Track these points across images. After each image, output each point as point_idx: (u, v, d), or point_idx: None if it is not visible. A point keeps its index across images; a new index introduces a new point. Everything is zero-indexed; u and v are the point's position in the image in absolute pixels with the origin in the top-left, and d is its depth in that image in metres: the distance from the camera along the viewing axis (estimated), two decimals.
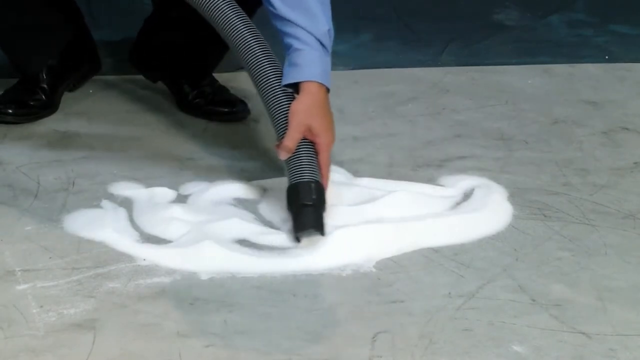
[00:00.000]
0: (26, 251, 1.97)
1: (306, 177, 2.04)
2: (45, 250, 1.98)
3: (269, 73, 2.08)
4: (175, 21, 2.57)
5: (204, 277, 1.91)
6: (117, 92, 2.71)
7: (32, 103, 2.54)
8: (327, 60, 2.14)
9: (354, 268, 1.95)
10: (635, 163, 2.41)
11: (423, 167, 2.35)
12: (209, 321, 1.79)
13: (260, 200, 2.18)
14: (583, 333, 1.78)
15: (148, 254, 1.97)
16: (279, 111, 2.07)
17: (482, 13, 3.35)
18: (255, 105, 2.61)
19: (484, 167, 2.35)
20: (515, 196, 2.23)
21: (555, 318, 1.82)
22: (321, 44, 2.11)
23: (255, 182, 2.24)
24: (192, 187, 2.22)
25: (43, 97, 2.55)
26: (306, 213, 2.01)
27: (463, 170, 2.33)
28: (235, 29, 2.10)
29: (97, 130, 2.49)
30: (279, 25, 2.11)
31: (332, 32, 2.14)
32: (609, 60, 3.04)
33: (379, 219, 2.09)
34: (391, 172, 2.32)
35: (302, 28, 2.09)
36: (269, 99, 2.08)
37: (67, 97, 2.62)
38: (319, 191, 2.04)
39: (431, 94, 2.77)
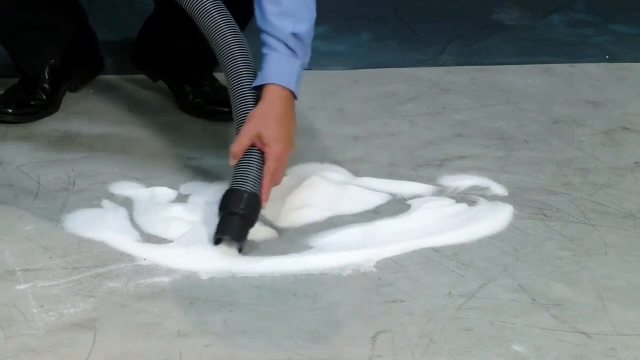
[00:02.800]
0: (26, 251, 1.97)
1: (243, 186, 2.01)
2: (45, 250, 1.98)
3: (242, 75, 2.08)
4: (175, 21, 2.56)
5: (204, 276, 1.91)
6: (117, 91, 2.71)
7: (32, 103, 2.53)
8: (294, 62, 2.10)
9: (354, 268, 1.95)
10: (635, 163, 2.41)
11: (423, 167, 2.35)
12: (209, 321, 1.79)
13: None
14: (583, 332, 1.78)
15: (148, 253, 1.97)
16: (240, 115, 2.07)
17: (482, 12, 3.34)
18: None
19: (484, 166, 2.35)
20: (516, 196, 2.23)
21: (556, 317, 1.82)
22: (287, 47, 2.09)
23: None
24: (192, 187, 2.22)
25: (44, 96, 2.55)
26: (230, 220, 1.98)
27: (463, 170, 2.33)
28: (218, 30, 2.10)
29: (97, 129, 2.49)
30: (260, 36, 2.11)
31: (306, 35, 2.11)
32: (610, 60, 3.04)
33: (378, 219, 2.09)
34: (391, 171, 2.32)
35: (267, 33, 2.08)
36: (235, 100, 2.09)
37: (67, 97, 2.62)
38: (250, 203, 2.00)
39: (431, 93, 2.77)
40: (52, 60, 2.56)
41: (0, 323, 1.75)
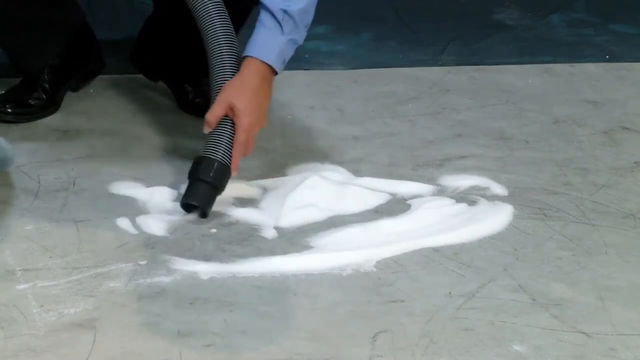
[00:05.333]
0: (26, 250, 1.97)
1: (214, 155, 2.09)
2: (45, 250, 1.98)
3: (222, 46, 2.14)
4: (176, 21, 2.57)
5: (204, 276, 1.91)
6: (117, 91, 2.71)
7: (32, 102, 2.53)
8: (279, 39, 2.14)
9: (354, 268, 1.95)
10: (635, 162, 2.41)
11: (423, 167, 2.35)
12: (209, 320, 1.79)
13: (260, 200, 2.18)
14: (583, 332, 1.78)
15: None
16: (217, 84, 2.14)
17: (482, 12, 3.34)
18: None
19: (484, 166, 2.35)
20: (516, 196, 2.23)
21: (556, 317, 1.82)
22: (275, 21, 2.13)
23: (255, 182, 2.24)
24: None
25: (44, 96, 2.54)
26: (198, 187, 2.07)
27: (463, 170, 2.33)
28: (203, 7, 2.15)
29: (97, 129, 2.49)
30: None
31: (297, 13, 2.13)
32: (610, 60, 3.04)
33: (378, 219, 2.09)
34: (391, 171, 2.32)
35: (261, 5, 2.13)
36: (214, 69, 2.15)
37: (67, 97, 2.61)
38: (220, 172, 2.08)
39: (431, 93, 2.77)
40: (52, 60, 2.56)
41: (0, 323, 1.75)
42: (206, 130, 2.13)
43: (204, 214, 2.07)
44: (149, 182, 2.23)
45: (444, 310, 1.83)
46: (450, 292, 1.88)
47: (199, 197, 2.07)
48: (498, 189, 2.25)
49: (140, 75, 2.70)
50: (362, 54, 3.02)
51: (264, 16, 2.14)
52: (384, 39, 3.12)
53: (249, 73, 2.12)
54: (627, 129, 2.59)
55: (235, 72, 2.13)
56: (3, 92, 2.57)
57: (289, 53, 2.17)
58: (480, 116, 2.64)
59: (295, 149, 2.38)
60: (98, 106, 2.62)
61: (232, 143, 2.11)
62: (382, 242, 2.03)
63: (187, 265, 1.94)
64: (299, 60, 2.89)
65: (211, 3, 2.14)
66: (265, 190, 2.21)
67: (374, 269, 1.95)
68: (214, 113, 2.11)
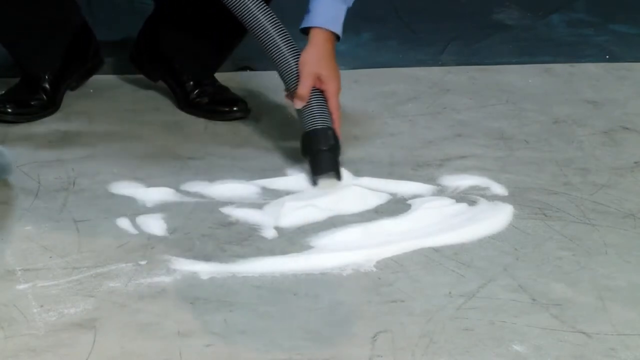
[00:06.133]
0: (26, 250, 1.97)
1: (320, 124, 2.20)
2: (45, 250, 1.98)
3: (270, 31, 2.23)
4: (176, 21, 2.57)
5: (204, 276, 1.91)
6: (117, 91, 2.71)
7: (32, 103, 2.53)
8: (341, 7, 2.26)
9: (354, 267, 1.95)
10: (635, 162, 2.41)
11: (423, 167, 2.35)
12: (210, 320, 1.79)
13: (263, 201, 2.17)
14: (583, 332, 1.78)
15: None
16: (285, 63, 2.24)
17: (482, 12, 3.35)
18: (256, 104, 2.62)
19: (484, 166, 2.35)
20: (516, 196, 2.23)
21: (556, 317, 1.82)
22: None
23: (255, 182, 2.24)
24: (192, 187, 2.22)
25: (44, 96, 2.54)
26: (324, 157, 2.18)
27: (463, 170, 2.33)
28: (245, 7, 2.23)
29: (97, 129, 2.49)
30: None
31: None
32: (610, 60, 3.04)
33: (378, 219, 2.10)
34: (391, 171, 2.32)
35: None
36: (274, 52, 2.24)
37: (67, 97, 2.62)
38: (335, 137, 2.22)
39: (431, 93, 2.77)
40: (54, 61, 2.56)
41: (0, 323, 1.75)
42: (300, 105, 2.24)
43: (339, 177, 2.19)
44: (149, 182, 2.23)
45: (444, 310, 1.83)
46: (450, 292, 1.88)
47: (330, 167, 2.20)
48: (498, 189, 2.25)
49: (140, 75, 2.70)
50: (362, 54, 3.02)
51: None
52: (384, 39, 3.12)
53: (321, 41, 2.25)
54: (627, 129, 2.59)
55: (296, 55, 2.23)
56: (3, 92, 2.58)
57: (344, 18, 2.28)
58: (480, 116, 2.64)
59: (295, 149, 2.38)
60: (98, 106, 2.62)
61: (325, 109, 2.23)
62: (382, 242, 2.03)
63: (187, 265, 1.94)
64: None
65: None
66: (265, 190, 2.22)
67: (374, 269, 1.95)
68: (305, 86, 2.21)
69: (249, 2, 2.22)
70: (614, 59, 3.05)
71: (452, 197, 2.21)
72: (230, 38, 2.57)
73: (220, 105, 2.58)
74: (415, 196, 2.21)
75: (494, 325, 1.79)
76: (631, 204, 2.21)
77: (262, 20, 2.23)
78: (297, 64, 2.23)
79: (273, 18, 2.24)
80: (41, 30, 2.52)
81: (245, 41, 2.58)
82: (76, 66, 2.62)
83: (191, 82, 2.60)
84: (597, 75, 2.93)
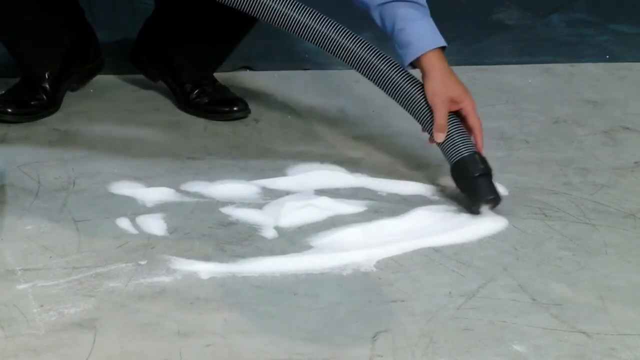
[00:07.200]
0: (27, 250, 1.97)
1: (465, 151, 2.13)
2: (45, 250, 1.97)
3: (384, 69, 2.17)
4: (176, 21, 2.57)
5: (204, 276, 1.91)
6: (117, 91, 2.71)
7: (32, 103, 2.53)
8: (428, 21, 2.20)
9: (354, 267, 1.95)
10: (635, 162, 2.41)
11: (423, 167, 2.35)
12: (209, 320, 1.79)
13: (263, 201, 2.17)
14: (583, 332, 1.78)
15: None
16: (413, 99, 2.16)
17: (482, 12, 3.34)
18: (256, 104, 2.62)
19: None
20: (516, 196, 2.23)
21: (556, 317, 1.82)
22: (422, 7, 2.19)
23: (255, 182, 2.24)
24: (192, 187, 2.22)
25: (44, 97, 2.54)
26: (480, 184, 2.12)
27: None
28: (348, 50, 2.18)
29: (97, 129, 2.49)
30: (377, 12, 2.19)
31: None
32: (610, 60, 3.04)
33: (378, 219, 2.10)
34: (391, 171, 2.32)
35: (396, 1, 2.16)
36: (398, 92, 2.17)
37: (67, 97, 2.61)
38: (483, 160, 2.14)
39: None
40: (54, 62, 2.56)
41: (0, 323, 1.75)
42: (442, 137, 2.15)
43: (498, 201, 2.13)
44: (149, 182, 2.23)
45: (444, 310, 1.83)
46: (450, 292, 1.88)
47: (489, 192, 2.13)
48: (498, 189, 2.25)
49: (140, 75, 2.70)
50: None
51: (406, 10, 2.17)
52: (384, 39, 3.12)
53: (437, 63, 2.15)
54: (627, 129, 2.59)
55: (419, 87, 2.16)
56: (3, 92, 2.58)
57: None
58: (480, 116, 2.63)
59: (295, 149, 2.38)
60: (98, 106, 2.62)
61: (464, 133, 2.15)
62: (382, 242, 2.03)
63: (187, 265, 1.93)
64: (299, 60, 2.90)
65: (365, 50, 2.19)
66: (265, 190, 2.21)
67: (374, 269, 1.95)
68: (443, 116, 2.13)
69: (353, 46, 2.17)
70: (614, 59, 3.05)
71: (452, 197, 2.21)
72: (230, 38, 2.57)
73: (220, 105, 2.58)
74: (415, 196, 2.21)
75: (494, 325, 1.79)
76: (631, 204, 2.21)
77: (373, 61, 2.17)
78: (423, 97, 2.15)
79: (378, 53, 2.19)
80: (42, 30, 2.52)
81: (245, 41, 2.58)
82: (77, 67, 2.62)
83: (191, 82, 2.59)
84: (597, 75, 2.93)
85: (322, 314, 1.82)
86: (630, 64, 3.01)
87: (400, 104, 2.21)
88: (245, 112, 2.58)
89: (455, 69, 2.92)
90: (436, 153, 2.41)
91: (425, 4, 2.20)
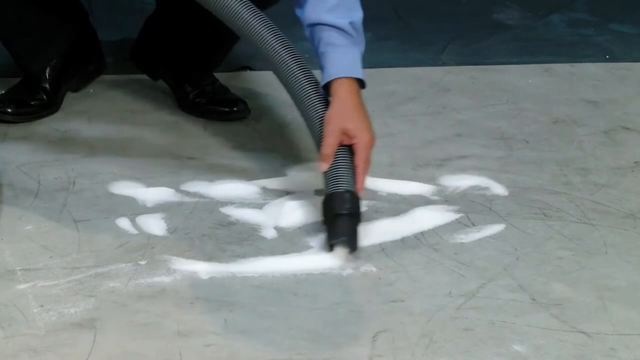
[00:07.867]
0: (27, 250, 1.97)
1: (340, 187, 2.00)
2: (45, 250, 1.98)
3: (303, 83, 2.07)
4: (176, 20, 2.57)
5: (204, 276, 1.91)
6: (117, 91, 2.71)
7: (32, 103, 2.53)
8: (354, 51, 2.12)
9: (354, 267, 1.95)
10: (635, 162, 2.41)
11: (423, 167, 2.35)
12: (210, 320, 1.79)
13: (263, 201, 2.17)
14: (583, 332, 1.78)
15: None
16: (315, 122, 2.06)
17: (482, 12, 3.34)
18: (255, 105, 2.62)
19: (484, 166, 2.35)
20: (516, 195, 2.23)
21: (556, 317, 1.82)
22: (347, 36, 2.10)
23: (255, 182, 2.24)
24: (192, 187, 2.22)
25: (44, 97, 2.54)
26: (340, 222, 1.98)
27: (463, 170, 2.33)
28: (266, 42, 2.09)
29: (97, 129, 2.49)
30: (309, 31, 2.12)
31: (360, 23, 2.14)
32: (610, 60, 3.04)
33: (378, 219, 2.10)
34: (392, 171, 2.32)
35: (323, 25, 2.09)
36: (305, 111, 2.08)
37: (67, 97, 2.62)
38: (353, 200, 2.00)
39: (431, 93, 2.77)
40: (54, 61, 2.56)
41: (0, 323, 1.75)
42: (324, 167, 2.02)
43: (353, 247, 1.98)
44: (149, 182, 2.23)
45: (444, 310, 1.83)
46: (450, 292, 1.88)
47: (345, 232, 1.98)
48: (498, 189, 2.25)
49: (140, 76, 2.70)
50: (363, 53, 3.01)
51: (331, 35, 2.09)
52: (384, 38, 3.12)
53: (345, 93, 2.06)
54: (627, 129, 2.59)
55: (326, 104, 2.06)
56: (3, 92, 2.58)
57: (361, 63, 2.14)
58: (480, 116, 2.64)
59: (295, 149, 2.38)
60: (98, 106, 2.62)
61: (349, 168, 2.02)
62: (381, 242, 2.03)
63: (187, 265, 1.94)
64: None
65: (279, 44, 2.09)
66: (265, 190, 2.22)
67: (374, 269, 1.95)
68: (330, 145, 2.02)
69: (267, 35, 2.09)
70: (614, 59, 3.05)
71: (452, 197, 2.21)
72: (230, 38, 2.57)
73: (220, 106, 2.57)
74: (415, 196, 2.21)
75: (494, 325, 1.79)
76: (631, 204, 2.21)
77: (288, 60, 2.08)
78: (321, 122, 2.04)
79: (298, 58, 2.09)
80: (42, 30, 2.52)
81: (245, 41, 2.57)
82: (77, 67, 2.62)
83: (191, 82, 2.59)
84: (597, 75, 2.93)
85: (322, 314, 1.82)
86: (630, 63, 3.01)
87: (304, 118, 2.11)
88: (245, 112, 2.58)
89: (455, 68, 2.94)
90: (436, 153, 2.42)
91: (356, 34, 2.13)
